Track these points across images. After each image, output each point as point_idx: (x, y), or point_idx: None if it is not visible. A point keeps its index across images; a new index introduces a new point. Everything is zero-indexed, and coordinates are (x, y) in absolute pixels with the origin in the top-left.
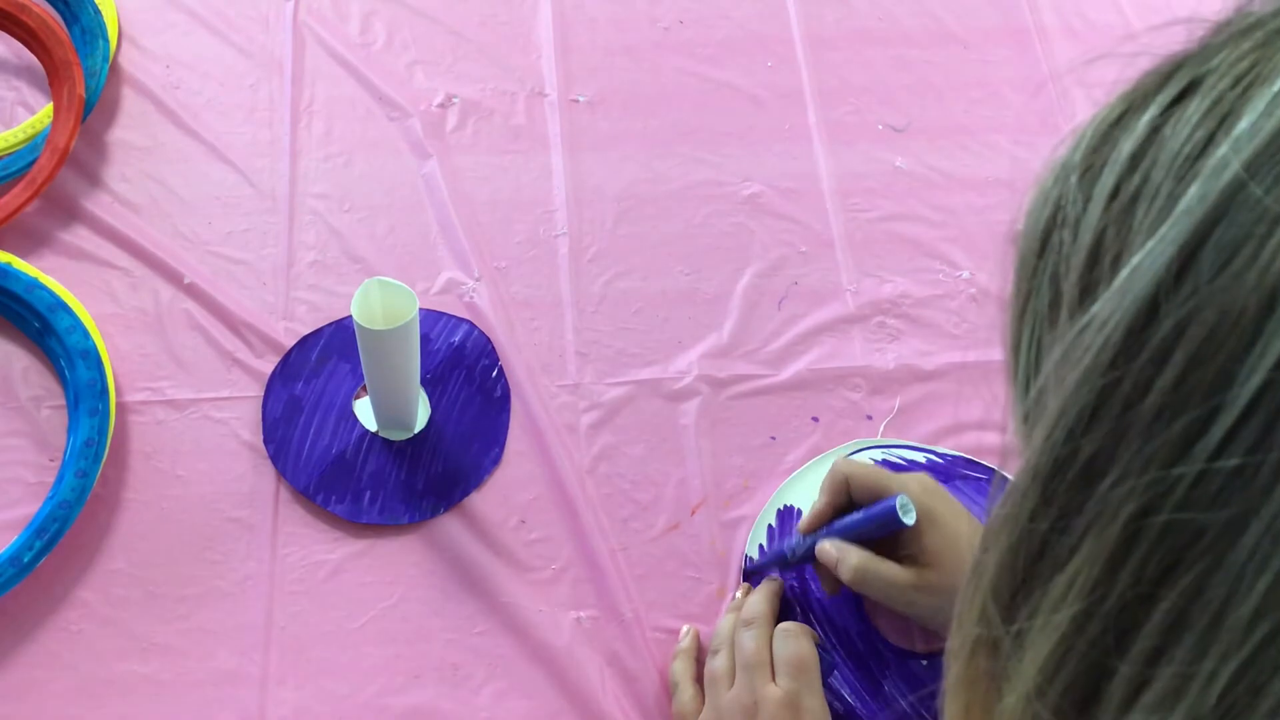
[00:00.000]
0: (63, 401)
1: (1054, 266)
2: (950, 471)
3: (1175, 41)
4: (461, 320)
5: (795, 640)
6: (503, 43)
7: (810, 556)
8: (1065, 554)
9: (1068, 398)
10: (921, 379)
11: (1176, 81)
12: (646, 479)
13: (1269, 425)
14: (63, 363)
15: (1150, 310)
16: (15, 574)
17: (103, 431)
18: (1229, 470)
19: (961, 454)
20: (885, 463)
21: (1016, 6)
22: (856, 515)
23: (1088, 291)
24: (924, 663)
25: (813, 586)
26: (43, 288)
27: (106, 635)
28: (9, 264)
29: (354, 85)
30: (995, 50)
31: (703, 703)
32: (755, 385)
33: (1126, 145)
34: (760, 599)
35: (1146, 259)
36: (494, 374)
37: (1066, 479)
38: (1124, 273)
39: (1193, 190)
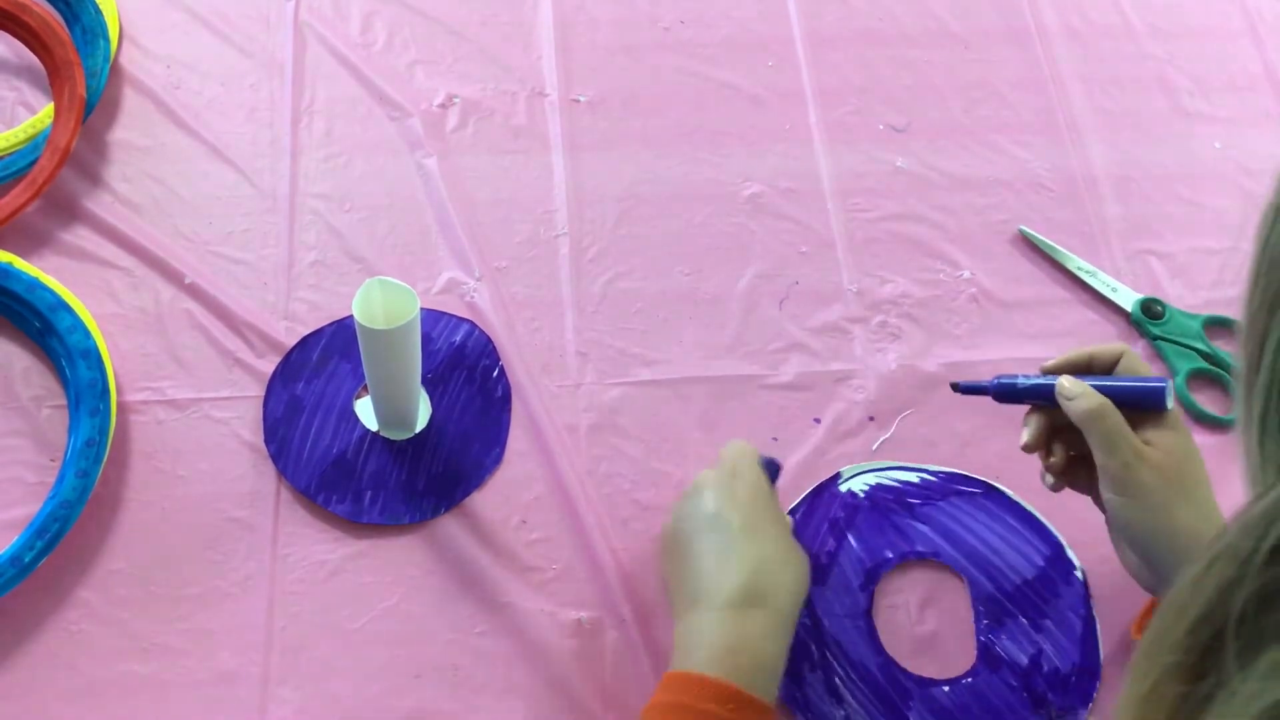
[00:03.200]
0: (64, 401)
1: None
2: (945, 489)
3: None
4: (462, 320)
5: (731, 444)
6: (503, 43)
7: (1042, 392)
8: None
9: None
10: (922, 379)
11: None
12: (646, 479)
13: None
14: (64, 363)
15: None
16: (16, 574)
17: (104, 431)
18: None
19: (955, 470)
20: (878, 486)
21: (1016, 6)
22: (1117, 379)
23: None
24: (945, 689)
25: (826, 624)
26: (44, 287)
27: (106, 635)
28: (10, 264)
29: (354, 85)
30: (995, 50)
31: None
32: (756, 385)
33: None
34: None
35: None
36: (495, 374)
37: None
38: None
39: None
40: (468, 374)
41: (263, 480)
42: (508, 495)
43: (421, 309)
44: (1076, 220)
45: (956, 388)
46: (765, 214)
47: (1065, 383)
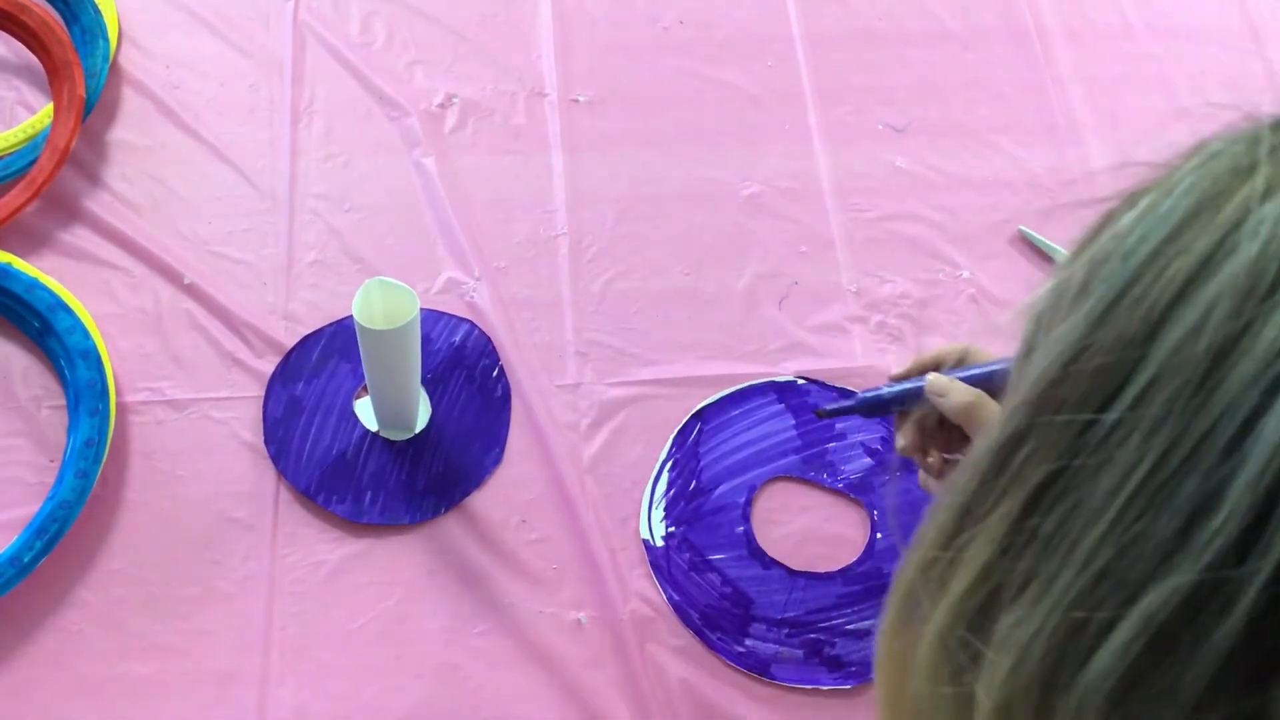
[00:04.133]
0: (63, 402)
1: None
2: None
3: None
4: (462, 320)
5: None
6: (503, 43)
7: (909, 396)
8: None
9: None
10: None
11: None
12: (646, 479)
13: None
14: (63, 363)
15: None
16: (15, 574)
17: (103, 432)
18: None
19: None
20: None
21: (1016, 6)
22: (971, 369)
23: None
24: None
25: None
26: (43, 288)
27: (106, 635)
28: (9, 264)
29: (354, 85)
30: (995, 50)
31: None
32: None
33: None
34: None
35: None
36: (494, 374)
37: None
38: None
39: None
40: (467, 374)
41: (262, 480)
42: (508, 495)
43: (421, 309)
44: (1076, 220)
45: (822, 413)
46: (765, 214)
47: (934, 380)
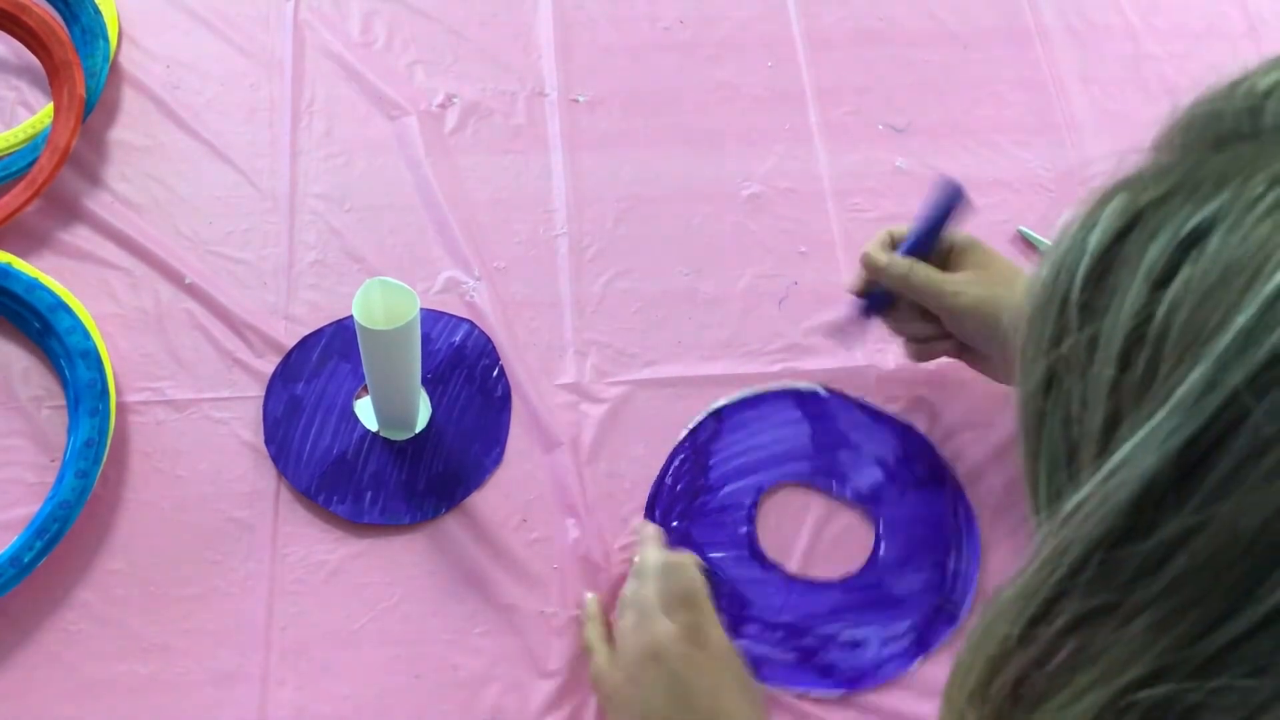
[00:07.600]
0: (63, 402)
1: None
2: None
3: None
4: (462, 320)
5: (678, 571)
6: (503, 43)
7: (878, 286)
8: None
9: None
10: (922, 379)
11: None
12: (646, 479)
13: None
14: (63, 363)
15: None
16: (15, 574)
17: (103, 432)
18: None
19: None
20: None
21: (1016, 6)
22: (917, 218)
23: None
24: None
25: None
26: (43, 288)
27: (106, 635)
28: (9, 264)
29: (354, 85)
30: (995, 50)
31: None
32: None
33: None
34: (650, 551)
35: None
36: (494, 374)
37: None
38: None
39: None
40: (467, 374)
41: (263, 480)
42: (508, 495)
43: (421, 309)
44: None
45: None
46: (765, 214)
47: (872, 253)
